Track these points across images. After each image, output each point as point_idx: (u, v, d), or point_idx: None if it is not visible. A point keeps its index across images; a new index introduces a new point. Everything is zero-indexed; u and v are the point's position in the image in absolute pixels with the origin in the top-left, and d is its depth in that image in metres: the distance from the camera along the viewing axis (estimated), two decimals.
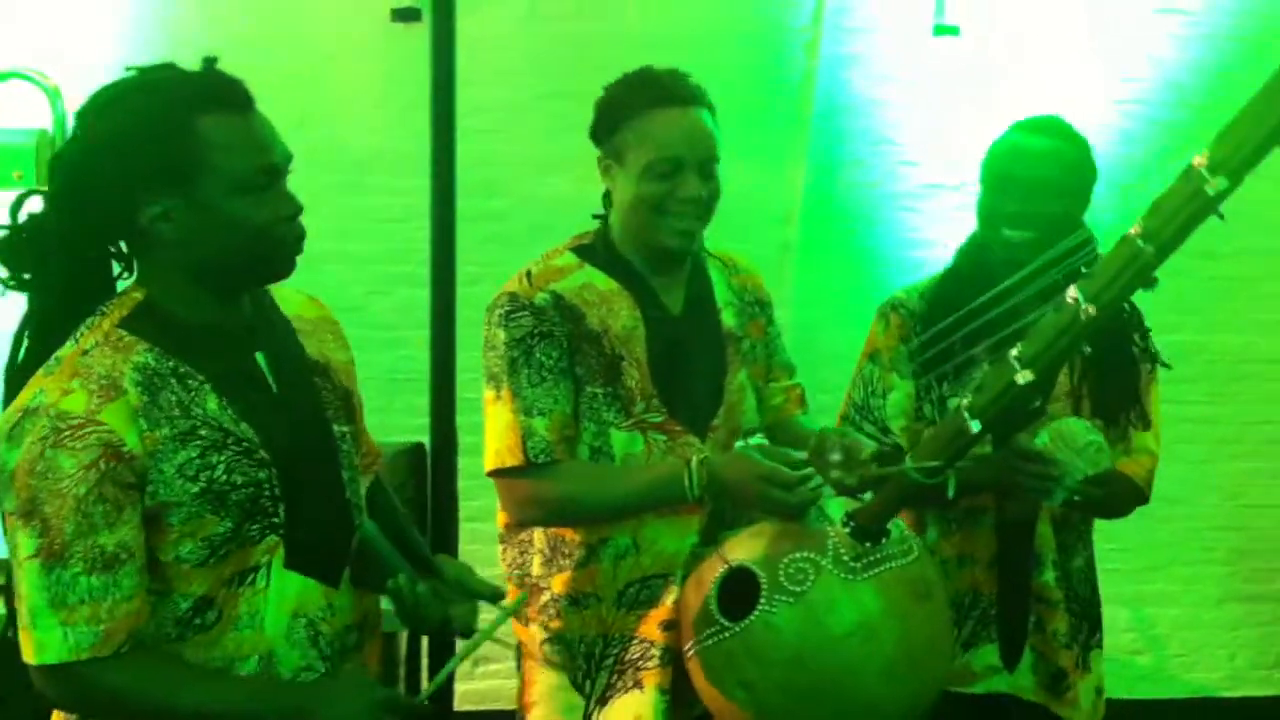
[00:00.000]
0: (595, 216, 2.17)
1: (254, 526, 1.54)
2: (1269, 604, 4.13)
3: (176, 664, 1.53)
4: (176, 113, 1.48)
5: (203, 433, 1.51)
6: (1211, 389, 3.93)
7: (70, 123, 2.86)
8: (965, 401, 1.87)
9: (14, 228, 1.53)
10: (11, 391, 1.52)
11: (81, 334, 1.51)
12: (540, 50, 3.58)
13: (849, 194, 3.73)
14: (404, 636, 2.81)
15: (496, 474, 2.06)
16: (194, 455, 1.49)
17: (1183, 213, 1.65)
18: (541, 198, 3.59)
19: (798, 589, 1.87)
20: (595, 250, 2.11)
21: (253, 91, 1.55)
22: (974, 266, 2.31)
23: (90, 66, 3.32)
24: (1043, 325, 1.79)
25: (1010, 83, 3.59)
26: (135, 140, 1.47)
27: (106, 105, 1.50)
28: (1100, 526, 2.45)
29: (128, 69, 1.54)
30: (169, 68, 1.54)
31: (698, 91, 2.06)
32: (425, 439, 3.11)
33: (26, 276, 1.53)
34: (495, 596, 1.79)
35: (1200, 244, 3.56)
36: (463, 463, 3.08)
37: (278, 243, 1.55)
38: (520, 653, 2.20)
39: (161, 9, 3.42)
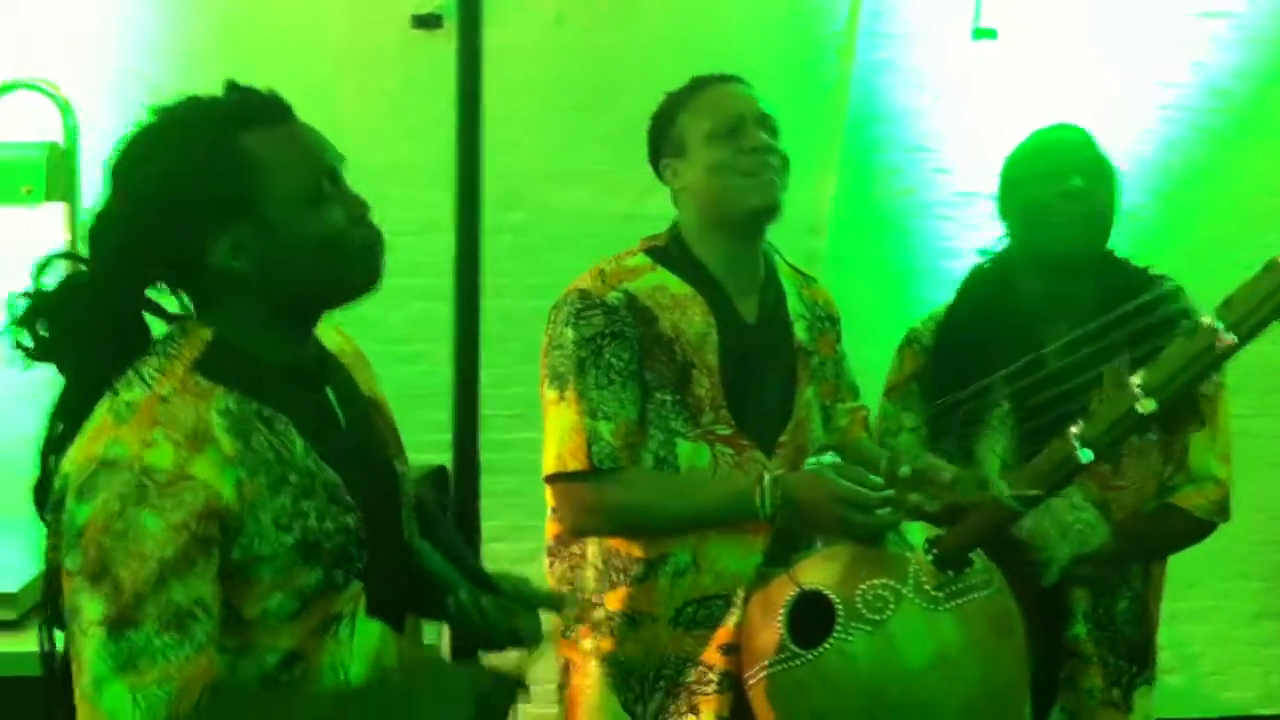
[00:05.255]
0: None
1: (339, 573, 1.45)
2: None
3: (256, 697, 1.42)
4: (218, 138, 1.40)
5: (292, 478, 1.41)
6: (1248, 401, 3.80)
7: (83, 136, 2.84)
8: (1075, 430, 1.79)
9: (42, 295, 1.42)
10: (47, 462, 1.41)
11: (155, 381, 1.38)
12: (563, 61, 3.51)
13: (882, 202, 3.66)
14: None
15: (556, 479, 1.98)
16: (287, 503, 1.40)
17: None
18: (562, 210, 3.56)
19: (877, 617, 1.79)
20: (669, 252, 2.06)
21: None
22: (982, 298, 2.25)
23: (103, 78, 3.27)
24: (1171, 352, 1.71)
25: (1049, 88, 3.50)
26: (183, 178, 1.39)
27: (142, 152, 1.42)
28: None
29: (150, 109, 1.44)
30: (193, 99, 1.45)
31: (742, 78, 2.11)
32: (442, 456, 3.04)
33: (53, 346, 1.42)
34: (558, 603, 1.76)
35: (1238, 255, 3.52)
36: (482, 481, 3.02)
37: (357, 249, 1.46)
38: (565, 670, 2.12)
39: (176, 20, 3.34)
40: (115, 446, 1.33)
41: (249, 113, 1.42)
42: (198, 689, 1.33)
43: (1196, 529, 2.24)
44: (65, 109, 2.79)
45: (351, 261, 1.47)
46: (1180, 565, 3.81)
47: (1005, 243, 2.28)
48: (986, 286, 2.27)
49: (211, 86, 1.51)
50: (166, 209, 1.39)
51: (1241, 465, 3.83)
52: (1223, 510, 2.24)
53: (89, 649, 1.32)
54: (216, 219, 1.40)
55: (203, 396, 1.38)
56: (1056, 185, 2.13)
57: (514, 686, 1.52)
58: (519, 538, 3.50)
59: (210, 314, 1.46)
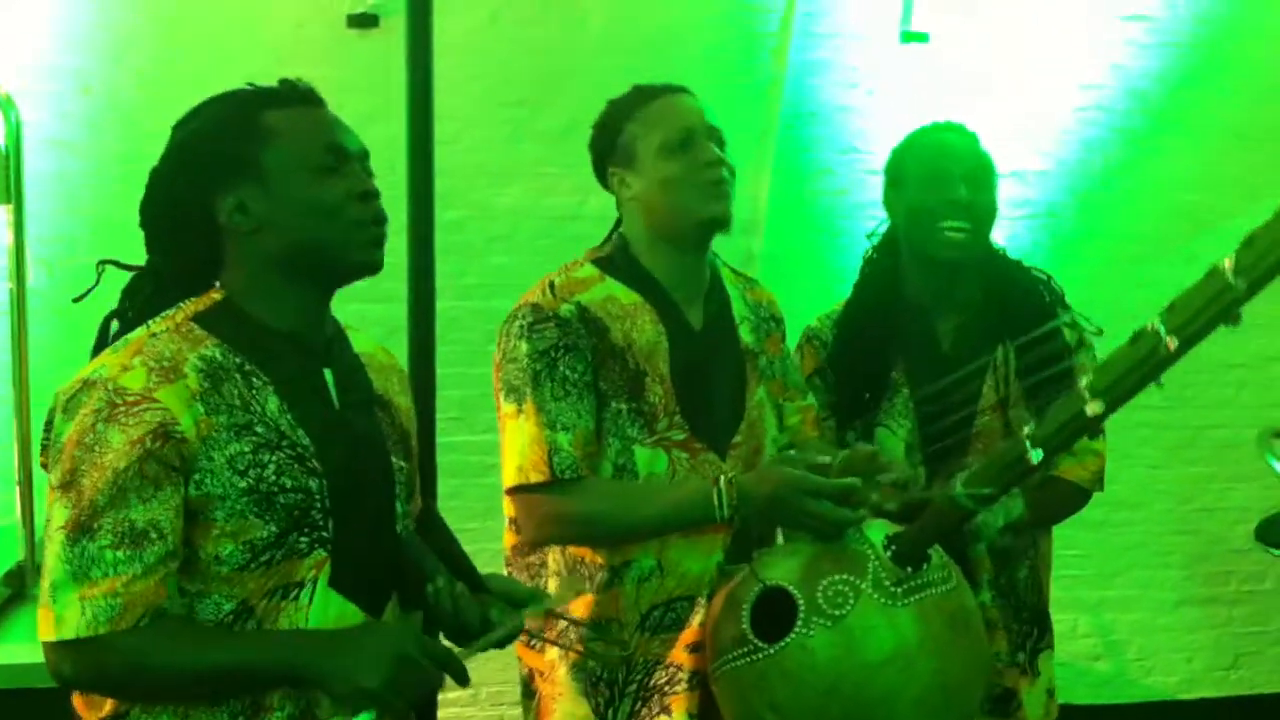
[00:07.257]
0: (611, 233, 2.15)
1: (302, 538, 1.51)
2: (1223, 606, 4.17)
3: (193, 626, 1.49)
4: (244, 110, 1.56)
5: (258, 429, 1.49)
6: (1165, 393, 3.91)
7: (25, 133, 2.73)
8: (1027, 430, 1.85)
9: (138, 269, 1.60)
10: None
11: (154, 321, 1.53)
12: (500, 58, 3.49)
13: (815, 203, 3.69)
14: None
15: (517, 491, 1.99)
16: (246, 450, 1.48)
17: None
18: (498, 208, 3.53)
19: (836, 612, 1.82)
20: (615, 262, 2.07)
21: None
22: (877, 293, 2.37)
23: (38, 76, 3.17)
24: (1116, 356, 1.76)
25: (975, 90, 3.57)
26: (205, 139, 1.55)
27: (184, 121, 1.59)
28: (1058, 534, 2.45)
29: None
30: (245, 87, 1.61)
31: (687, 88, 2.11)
32: None
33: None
34: (541, 600, 1.80)
35: (1153, 251, 3.61)
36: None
37: (351, 224, 1.54)
38: (530, 679, 2.13)
39: (110, 15, 3.26)
40: (99, 369, 1.47)
41: (279, 96, 1.58)
42: (141, 608, 1.42)
43: (1080, 497, 2.34)
44: (7, 107, 2.61)
45: (343, 233, 1.54)
46: (1106, 555, 3.95)
47: (887, 227, 2.41)
48: (879, 284, 2.39)
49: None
50: (188, 163, 1.55)
51: (1159, 456, 3.96)
52: (1100, 480, 2.34)
53: (51, 554, 1.45)
54: (225, 176, 1.53)
55: (191, 340, 1.51)
56: (942, 193, 2.25)
57: (447, 659, 1.51)
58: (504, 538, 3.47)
59: (227, 278, 1.57)
